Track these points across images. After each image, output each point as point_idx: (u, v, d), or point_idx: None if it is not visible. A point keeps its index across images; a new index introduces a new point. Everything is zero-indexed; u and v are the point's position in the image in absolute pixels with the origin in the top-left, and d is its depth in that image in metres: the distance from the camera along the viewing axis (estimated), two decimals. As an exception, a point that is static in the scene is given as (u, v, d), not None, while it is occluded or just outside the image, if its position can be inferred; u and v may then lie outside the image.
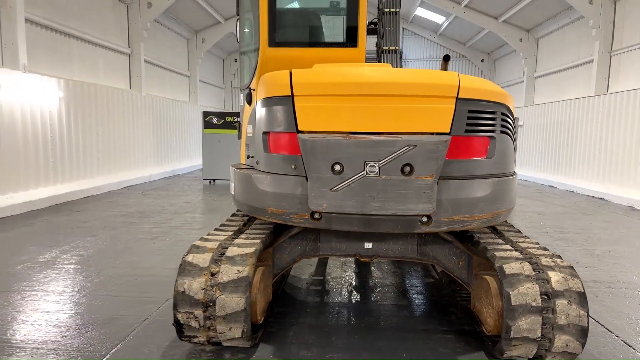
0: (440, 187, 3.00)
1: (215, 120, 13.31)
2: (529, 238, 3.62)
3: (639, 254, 6.00)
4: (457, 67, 23.32)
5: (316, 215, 3.11)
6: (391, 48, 5.16)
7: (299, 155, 3.12)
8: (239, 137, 4.42)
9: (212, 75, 22.29)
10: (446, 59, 4.07)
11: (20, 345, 3.23)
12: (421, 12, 20.76)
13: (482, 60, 22.98)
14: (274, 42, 3.72)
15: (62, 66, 10.86)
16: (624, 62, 12.07)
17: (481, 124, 3.16)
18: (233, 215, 4.31)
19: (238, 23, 4.44)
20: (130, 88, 13.99)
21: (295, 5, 4.14)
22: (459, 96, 3.07)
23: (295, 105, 3.11)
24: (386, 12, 5.18)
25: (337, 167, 2.94)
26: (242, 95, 4.31)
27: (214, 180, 13.41)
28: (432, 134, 3.04)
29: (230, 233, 3.57)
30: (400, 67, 5.28)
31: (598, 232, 7.37)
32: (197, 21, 17.89)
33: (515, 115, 3.52)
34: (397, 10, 5.32)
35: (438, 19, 20.92)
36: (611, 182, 11.24)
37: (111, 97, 11.84)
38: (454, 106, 3.05)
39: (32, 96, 8.80)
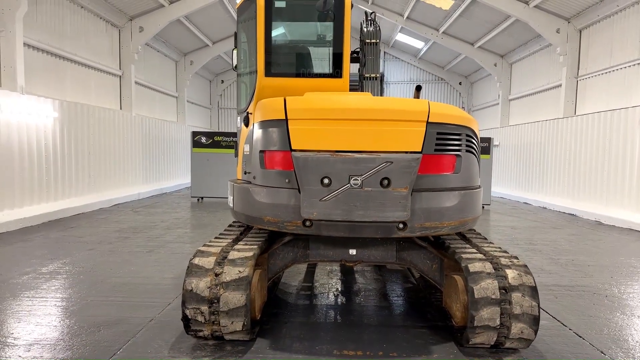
0: (414, 198, 3.50)
1: (204, 139, 13.74)
2: (492, 244, 4.13)
3: (599, 262, 6.57)
4: (436, 90, 24.29)
5: (307, 223, 3.57)
6: (372, 75, 5.72)
7: (292, 170, 3.59)
8: (236, 154, 4.88)
9: (199, 95, 22.79)
10: (418, 88, 4.64)
11: (38, 342, 3.57)
12: (401, 37, 21.71)
13: (459, 83, 23.97)
14: (269, 73, 4.24)
15: (56, 87, 11.23)
16: (589, 86, 12.96)
17: (448, 144, 3.70)
18: (230, 226, 4.74)
19: (235, 53, 4.95)
20: (121, 108, 14.36)
21: (288, 39, 4.67)
22: (429, 120, 3.60)
23: (289, 127, 3.60)
24: (367, 42, 5.76)
25: (326, 181, 3.42)
26: (239, 117, 4.79)
27: (202, 198, 13.76)
28: (406, 152, 3.56)
29: (229, 240, 4.00)
30: (382, 91, 5.86)
31: (565, 244, 7.96)
32: (186, 44, 18.45)
33: (479, 137, 4.07)
34: (377, 41, 5.91)
35: (418, 44, 21.89)
36: (580, 198, 11.96)
37: (103, 117, 12.20)
38: (424, 129, 3.58)
39: (28, 116, 9.14)
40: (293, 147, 3.59)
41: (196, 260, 3.49)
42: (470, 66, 21.57)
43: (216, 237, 4.17)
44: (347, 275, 5.60)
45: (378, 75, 5.80)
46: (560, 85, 14.22)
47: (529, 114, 16.93)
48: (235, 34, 4.74)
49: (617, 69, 11.57)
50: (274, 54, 4.29)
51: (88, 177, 11.37)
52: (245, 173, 4.29)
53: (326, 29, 4.45)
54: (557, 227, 9.76)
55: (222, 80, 24.74)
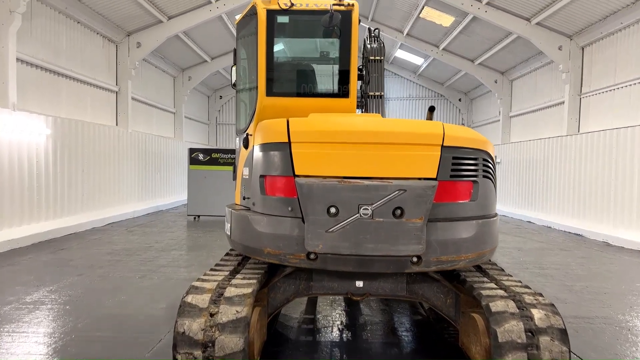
0: (429, 229, 3.20)
1: (201, 156, 13.46)
2: (511, 276, 3.81)
3: (615, 290, 6.25)
4: (436, 106, 24.13)
5: (312, 256, 3.26)
6: (376, 93, 5.47)
7: (295, 198, 3.29)
8: (234, 178, 4.59)
9: (197, 111, 22.58)
10: (431, 109, 4.37)
11: (15, 388, 3.22)
12: (401, 54, 21.63)
13: (459, 100, 23.86)
14: (271, 92, 3.96)
15: (50, 103, 10.96)
16: (592, 104, 12.77)
17: (465, 169, 3.41)
18: (227, 254, 4.42)
19: (234, 70, 4.68)
20: (117, 124, 14.10)
21: (291, 56, 4.41)
22: (444, 144, 3.32)
23: (293, 151, 3.32)
24: (371, 59, 5.51)
25: (333, 210, 3.12)
26: (237, 138, 4.51)
27: (199, 216, 13.41)
28: (419, 179, 3.27)
29: (226, 273, 3.67)
30: (383, 109, 5.59)
31: (576, 268, 7.64)
32: (184, 60, 18.29)
33: (495, 160, 3.79)
34: (382, 58, 5.67)
35: (417, 60, 21.81)
36: (586, 218, 11.66)
37: (97, 134, 11.91)
38: (439, 153, 3.29)
39: (20, 134, 8.85)
40: (296, 173, 3.30)
41: (189, 298, 3.16)
42: (470, 83, 21.46)
43: (212, 269, 3.84)
44: (352, 306, 5.26)
45: (382, 93, 5.55)
46: (562, 103, 14.04)
47: (530, 131, 16.74)
48: (235, 51, 4.48)
49: (622, 87, 11.39)
50: (276, 73, 4.02)
51: (81, 196, 11.04)
52: (244, 198, 3.99)
53: (331, 46, 4.20)
54: (565, 249, 9.45)
55: (221, 96, 24.57)
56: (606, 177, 10.93)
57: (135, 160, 14.23)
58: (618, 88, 11.55)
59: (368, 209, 3.09)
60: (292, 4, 3.91)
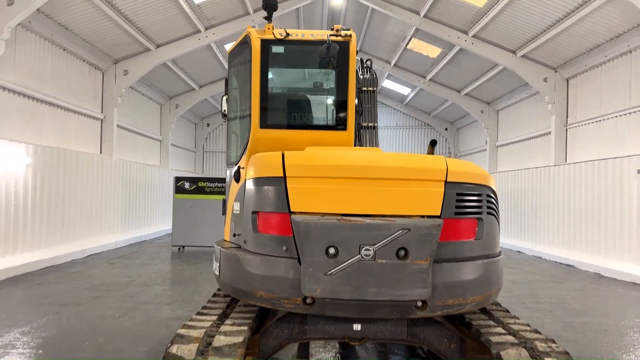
0: (433, 271, 2.99)
1: (187, 185, 13.16)
2: (518, 318, 3.60)
3: (616, 326, 6.07)
4: (422, 135, 24.33)
5: (308, 300, 3.01)
6: (370, 124, 5.34)
7: (290, 236, 3.08)
8: (224, 212, 4.35)
9: (184, 139, 22.34)
10: (433, 143, 4.24)
11: None
12: (388, 84, 21.87)
13: (445, 129, 24.07)
14: (265, 124, 3.79)
15: (32, 131, 10.64)
16: (579, 134, 12.90)
17: (469, 206, 3.24)
18: (214, 295, 4.13)
19: (225, 100, 4.51)
20: (101, 153, 13.78)
21: (286, 87, 4.27)
22: (447, 179, 3.16)
23: (288, 186, 3.12)
24: (364, 90, 5.41)
25: (332, 251, 2.91)
26: (228, 171, 4.30)
27: (183, 247, 13.01)
28: (423, 216, 3.08)
29: (214, 318, 3.39)
30: (377, 141, 5.44)
31: (572, 302, 7.46)
32: (172, 88, 18.17)
33: (498, 196, 3.63)
34: (374, 89, 5.57)
35: (404, 90, 22.05)
36: (577, 248, 11.58)
37: (80, 162, 11.58)
38: (443, 189, 3.13)
39: (-2, 162, 8.50)
40: (292, 209, 3.09)
41: (174, 349, 2.87)
42: (456, 112, 21.70)
43: (199, 313, 3.56)
44: (347, 347, 4.97)
45: (376, 124, 5.43)
46: (548, 133, 14.17)
47: (517, 161, 16.83)
48: (226, 80, 4.32)
49: (608, 118, 11.54)
50: (270, 104, 3.86)
51: (61, 226, 10.61)
52: (234, 235, 3.75)
53: (328, 76, 4.06)
54: (558, 281, 9.29)
55: (208, 124, 24.43)
56: (596, 208, 10.92)
57: (119, 188, 13.86)
58: (604, 119, 11.69)
59: (370, 250, 2.88)
60: (288, 34, 3.79)
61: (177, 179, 13.06)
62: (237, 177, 3.85)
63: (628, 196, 9.87)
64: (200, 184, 13.23)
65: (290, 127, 3.89)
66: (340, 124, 3.90)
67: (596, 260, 10.66)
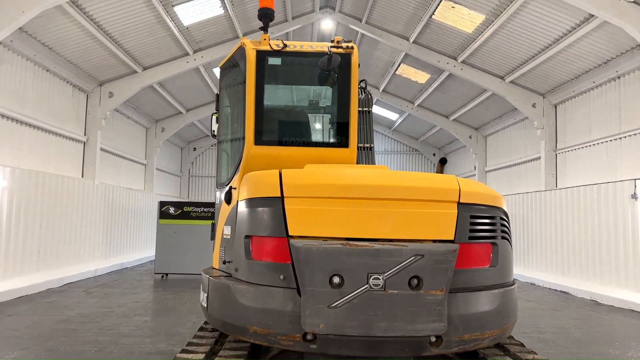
0: (448, 302, 2.69)
1: (172, 210, 12.72)
2: (536, 354, 3.30)
3: (624, 356, 5.78)
4: (410, 161, 24.30)
5: (309, 337, 2.67)
6: (366, 145, 5.11)
7: (288, 263, 2.76)
8: (212, 237, 4.02)
9: (169, 163, 21.92)
10: (442, 162, 3.99)
11: None
12: (376, 109, 21.86)
13: (433, 154, 24.09)
14: (260, 141, 3.50)
15: (11, 153, 10.19)
16: (569, 160, 12.89)
17: (483, 229, 2.98)
18: (201, 329, 3.74)
19: (215, 118, 4.24)
20: (83, 176, 13.30)
21: (283, 101, 4.01)
22: (460, 200, 2.90)
23: (286, 207, 2.82)
24: (359, 110, 5.19)
25: (337, 280, 2.59)
26: (218, 192, 3.98)
27: (167, 274, 12.46)
28: (433, 241, 2.80)
29: (201, 356, 3.02)
30: (373, 162, 5.20)
31: (575, 331, 7.18)
32: (158, 111, 17.87)
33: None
34: (370, 109, 5.37)
35: (392, 116, 22.10)
36: (571, 275, 11.37)
37: (60, 186, 11.10)
38: (456, 211, 2.86)
39: (-29, 185, 8.03)
40: (290, 233, 2.79)
41: (155, 395, 2.49)
42: (444, 138, 21.75)
43: (184, 350, 3.17)
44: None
45: (372, 145, 5.20)
46: (538, 158, 14.16)
47: (506, 186, 16.77)
48: (217, 96, 4.06)
49: (598, 143, 11.55)
50: (265, 119, 3.59)
51: (37, 253, 10.05)
52: (224, 262, 3.41)
53: (329, 90, 3.82)
54: (557, 309, 9.02)
55: (195, 148, 24.07)
56: (589, 233, 10.77)
57: (100, 213, 13.34)
58: (594, 144, 11.69)
59: (379, 279, 2.58)
60: (285, 45, 3.56)
61: (162, 204, 12.63)
62: (228, 198, 3.53)
63: (622, 221, 9.74)
64: (186, 208, 12.80)
65: (287, 143, 3.61)
66: (341, 141, 3.64)
67: (592, 287, 10.44)
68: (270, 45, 3.56)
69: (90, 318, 7.28)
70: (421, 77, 16.21)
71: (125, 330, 6.59)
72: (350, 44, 3.60)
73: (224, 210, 3.60)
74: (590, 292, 10.33)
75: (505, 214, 3.22)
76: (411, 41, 13.87)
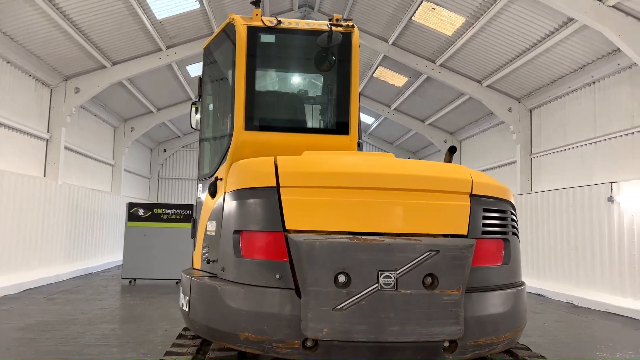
0: (465, 303, 2.43)
1: (141, 212, 12.12)
2: (545, 358, 3.09)
3: (612, 358, 5.71)
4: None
5: (308, 343, 2.36)
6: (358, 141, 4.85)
7: (285, 261, 2.45)
8: (193, 235, 3.65)
9: (138, 164, 21.13)
10: (452, 150, 3.74)
11: None
12: (352, 112, 21.78)
13: (408, 159, 24.16)
14: (251, 125, 3.16)
15: (-37, 149, 9.45)
16: (544, 164, 13.04)
17: (495, 224, 2.76)
18: (180, 336, 3.37)
19: (194, 109, 3.88)
20: (45, 175, 12.53)
21: (277, 83, 3.69)
22: (473, 192, 2.66)
23: (283, 198, 2.51)
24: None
25: (342, 279, 2.30)
26: (200, 185, 3.62)
27: (135, 279, 11.84)
28: (444, 236, 2.54)
29: (183, 367, 2.66)
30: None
31: (558, 334, 7.11)
32: (128, 109, 17.17)
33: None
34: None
35: (368, 119, 22.03)
36: (547, 278, 11.44)
37: (19, 186, 10.39)
38: (469, 204, 2.61)
39: None
40: (288, 227, 2.48)
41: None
42: (419, 142, 21.81)
43: (161, 360, 2.80)
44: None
45: (361, 141, 4.94)
46: (513, 162, 14.29)
47: (482, 190, 16.89)
48: (200, 80, 3.70)
49: (573, 148, 11.69)
50: (257, 103, 3.27)
51: (-8, 257, 9.32)
52: (208, 262, 3.06)
53: (328, 72, 3.54)
54: (536, 312, 8.97)
55: (165, 149, 23.32)
56: (565, 236, 10.86)
57: (63, 215, 12.60)
58: (569, 149, 11.84)
59: (391, 277, 2.30)
60: (280, 22, 3.25)
61: (131, 205, 12.02)
62: (212, 190, 3.19)
63: (598, 224, 9.84)
64: (156, 210, 12.22)
65: (281, 129, 3.29)
66: (341, 127, 3.35)
67: (568, 290, 10.50)
68: (262, 21, 3.25)
69: (52, 326, 6.71)
70: (399, 80, 16.16)
71: (90, 339, 6.07)
72: (350, 23, 3.34)
73: (208, 204, 3.25)
74: (566, 295, 10.38)
75: (514, 208, 3.01)
76: (390, 43, 13.78)
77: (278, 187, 2.52)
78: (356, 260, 2.26)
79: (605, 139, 10.57)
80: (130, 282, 11.74)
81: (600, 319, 8.39)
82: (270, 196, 2.52)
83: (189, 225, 12.26)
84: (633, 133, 9.75)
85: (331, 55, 3.29)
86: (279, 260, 2.45)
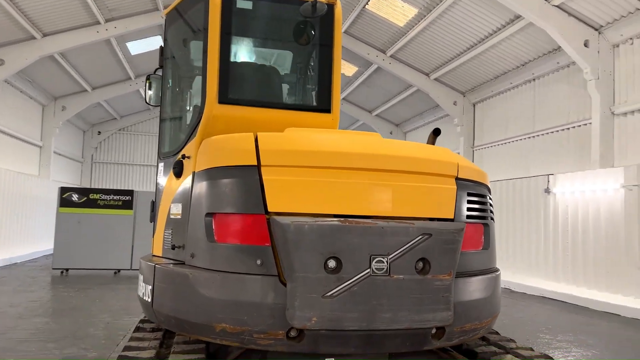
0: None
1: (75, 197, 11.26)
2: (514, 342, 3.13)
3: (554, 340, 6.03)
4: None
5: (292, 333, 2.20)
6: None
7: (267, 246, 2.26)
8: (152, 219, 3.34)
9: (69, 147, 19.66)
10: (436, 133, 3.65)
11: None
12: (300, 100, 21.60)
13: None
14: (225, 98, 2.89)
15: None
16: (485, 156, 13.61)
17: (477, 208, 2.73)
18: (138, 329, 3.07)
19: (149, 81, 3.52)
20: (-40, 156, 11.29)
21: (253, 55, 3.43)
22: (459, 176, 2.61)
23: (264, 178, 2.31)
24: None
25: (332, 264, 2.15)
26: (161, 164, 3.31)
27: (67, 270, 11.02)
28: (430, 219, 2.47)
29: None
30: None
31: (500, 317, 7.41)
32: (59, 87, 15.83)
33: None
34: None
35: (315, 108, 21.94)
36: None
37: None
38: (455, 187, 2.56)
39: None
40: (270, 209, 2.28)
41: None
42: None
43: (121, 357, 2.52)
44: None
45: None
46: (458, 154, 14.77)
47: (425, 181, 17.40)
48: (162, 49, 3.37)
49: (513, 141, 12.27)
50: (232, 74, 3.01)
51: None
52: (173, 248, 2.79)
53: (308, 46, 3.34)
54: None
55: (100, 132, 21.88)
56: (504, 225, 11.39)
57: (-16, 200, 11.43)
58: (509, 142, 12.42)
59: (383, 262, 2.17)
60: (258, -13, 3.01)
61: (63, 190, 11.12)
62: (177, 170, 2.91)
63: (535, 214, 10.41)
64: (92, 196, 11.40)
65: (258, 104, 3.05)
66: (322, 105, 3.18)
67: (505, 276, 11.01)
68: (239, -15, 2.99)
69: (-26, 322, 6.02)
70: (349, 69, 16.15)
71: (22, 334, 5.50)
72: (334, -5, 3.16)
73: (171, 185, 2.97)
74: (504, 281, 10.90)
75: (490, 192, 3.01)
76: (342, 31, 13.67)
77: (259, 165, 2.32)
78: (348, 244, 2.13)
79: (543, 134, 11.17)
80: (62, 272, 10.90)
81: (537, 303, 8.89)
82: (249, 176, 2.32)
83: (129, 212, 11.75)
84: (569, 129, 10.36)
85: (312, 27, 3.10)
86: (260, 245, 2.26)
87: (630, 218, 8.02)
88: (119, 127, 22.04)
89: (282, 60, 3.58)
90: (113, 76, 16.45)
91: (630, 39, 8.78)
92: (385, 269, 2.16)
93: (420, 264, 2.23)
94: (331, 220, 2.16)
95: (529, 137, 11.66)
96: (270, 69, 3.49)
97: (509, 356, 2.65)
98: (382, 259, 2.16)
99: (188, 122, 3.12)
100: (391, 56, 13.74)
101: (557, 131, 10.67)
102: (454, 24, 11.18)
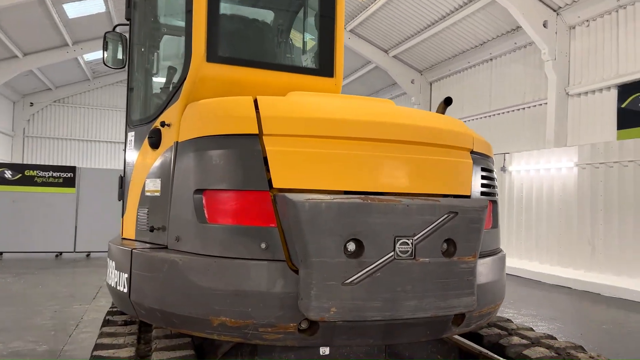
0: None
1: (9, 174, 10.26)
2: (511, 321, 3.05)
3: (519, 314, 6.17)
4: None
5: (303, 325, 1.93)
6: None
7: (273, 227, 1.96)
8: (121, 197, 2.91)
9: (-3, 119, 17.95)
10: (447, 102, 3.40)
11: None
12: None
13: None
14: (215, 56, 2.48)
15: None
16: (441, 135, 13.78)
17: (487, 184, 2.55)
18: (108, 323, 2.67)
19: (106, 41, 3.02)
20: None
21: (248, 8, 3.02)
22: (474, 149, 2.41)
23: (267, 149, 1.99)
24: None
25: (352, 246, 1.88)
26: (131, 134, 2.86)
27: (1, 253, 10.08)
28: (444, 196, 2.27)
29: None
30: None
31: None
32: (-17, 51, 14.26)
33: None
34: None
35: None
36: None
37: None
38: (471, 161, 2.36)
39: None
40: (275, 185, 1.97)
41: None
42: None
43: (95, 357, 2.14)
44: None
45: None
46: (413, 133, 14.91)
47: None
48: (129, 2, 2.87)
49: (470, 120, 12.47)
50: (223, 29, 2.60)
51: None
52: (152, 230, 2.41)
53: (309, 3, 2.99)
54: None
55: (32, 103, 20.09)
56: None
57: None
58: (466, 121, 12.59)
59: (408, 244, 1.94)
60: None
61: (-5, 166, 10.07)
62: (154, 140, 2.50)
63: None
64: (28, 172, 10.42)
65: (252, 64, 2.66)
66: (325, 68, 2.85)
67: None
68: None
69: None
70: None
71: (-46, 328, 4.86)
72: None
73: (146, 158, 2.56)
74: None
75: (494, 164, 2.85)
76: (300, 2, 13.20)
77: (260, 134, 1.99)
78: (370, 225, 1.87)
79: (499, 113, 11.41)
80: (-5, 256, 9.94)
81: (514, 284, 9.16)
82: (250, 146, 1.98)
83: (71, 190, 10.88)
84: (524, 109, 10.63)
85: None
86: (265, 226, 1.95)
87: (582, 195, 8.35)
88: (54, 98, 20.36)
89: (280, 17, 3.20)
90: (48, 41, 15.00)
91: (587, 20, 9.02)
92: (410, 252, 1.93)
93: (444, 246, 2.02)
94: (352, 198, 1.89)
95: (486, 117, 11.89)
96: (266, 26, 3.11)
97: (541, 348, 2.50)
98: (407, 240, 1.92)
99: (167, 84, 2.70)
100: (351, 31, 13.45)
101: (513, 111, 10.92)
102: (415, 0, 11.04)
